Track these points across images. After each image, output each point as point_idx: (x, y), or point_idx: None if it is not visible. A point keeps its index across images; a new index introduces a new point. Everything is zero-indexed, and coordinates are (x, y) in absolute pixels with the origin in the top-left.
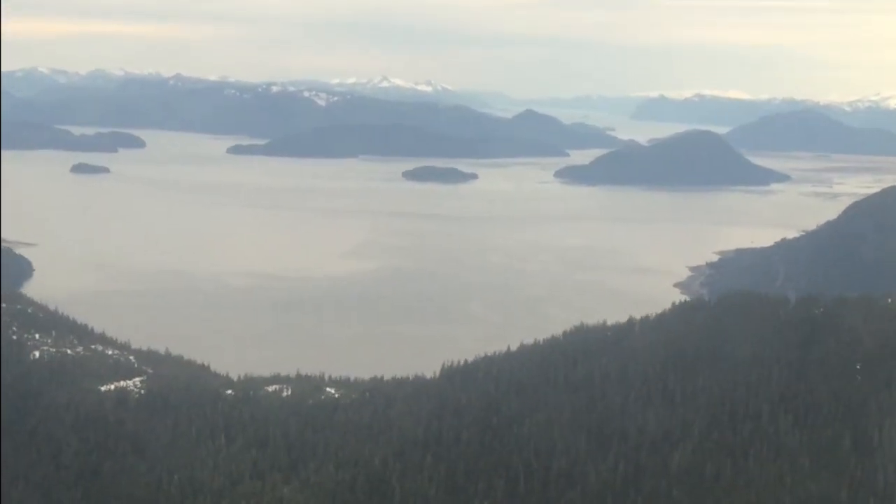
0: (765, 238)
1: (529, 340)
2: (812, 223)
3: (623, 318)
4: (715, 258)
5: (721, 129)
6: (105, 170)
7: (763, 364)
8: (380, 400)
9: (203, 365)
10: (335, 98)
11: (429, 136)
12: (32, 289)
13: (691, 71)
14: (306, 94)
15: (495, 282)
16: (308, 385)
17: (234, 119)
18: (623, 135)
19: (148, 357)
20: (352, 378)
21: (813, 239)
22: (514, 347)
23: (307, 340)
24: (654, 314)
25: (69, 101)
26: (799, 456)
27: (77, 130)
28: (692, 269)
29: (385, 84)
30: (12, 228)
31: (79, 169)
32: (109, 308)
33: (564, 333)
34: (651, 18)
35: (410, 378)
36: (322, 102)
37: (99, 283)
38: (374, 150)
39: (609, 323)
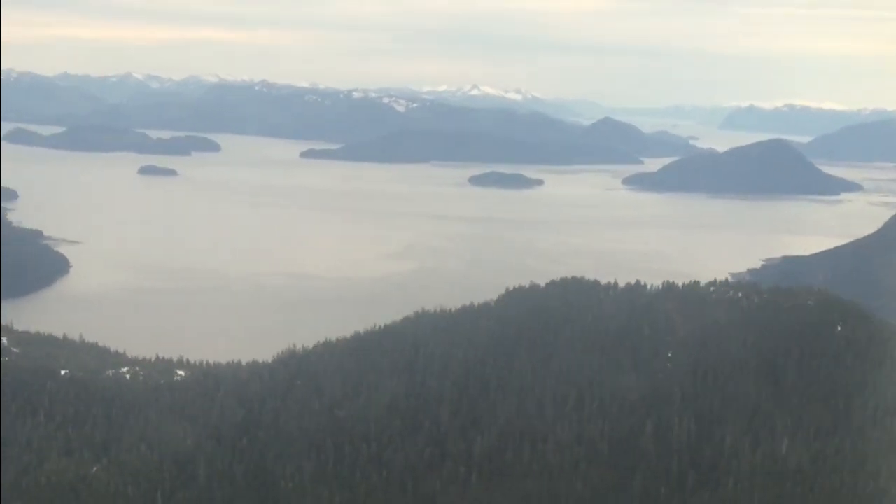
0: (819, 246)
1: None
2: (869, 232)
3: None
4: (759, 265)
5: (806, 140)
6: (172, 172)
7: (577, 351)
8: (210, 383)
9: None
10: (414, 104)
11: (502, 142)
12: (65, 285)
13: (785, 81)
14: (385, 100)
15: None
16: (160, 368)
17: (313, 124)
18: (706, 144)
19: (22, 338)
20: (211, 362)
21: (857, 247)
22: None
23: (288, 336)
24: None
25: (155, 106)
26: (599, 443)
27: (156, 134)
28: (733, 275)
29: (475, 92)
30: (60, 226)
31: (146, 171)
32: (128, 304)
33: (404, 319)
34: (747, 28)
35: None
36: (401, 109)
37: (129, 281)
38: (446, 155)
39: (448, 309)
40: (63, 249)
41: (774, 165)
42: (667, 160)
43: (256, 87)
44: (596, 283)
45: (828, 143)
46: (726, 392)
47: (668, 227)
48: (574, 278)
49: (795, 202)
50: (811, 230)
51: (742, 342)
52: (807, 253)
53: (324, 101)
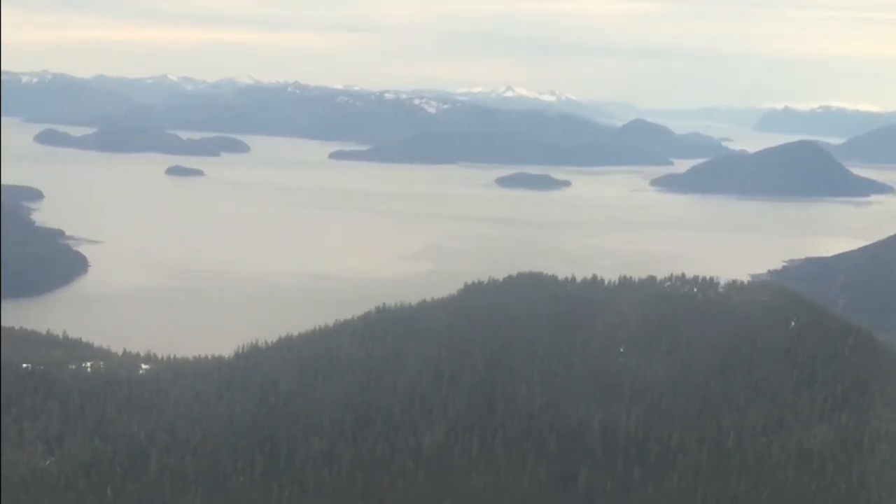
0: (844, 248)
1: None
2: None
3: None
4: (780, 266)
5: (839, 142)
6: (199, 172)
7: (530, 345)
8: (169, 377)
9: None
10: (445, 106)
11: (531, 144)
12: (81, 284)
13: (821, 83)
14: (416, 101)
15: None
16: (125, 362)
17: (344, 126)
18: (739, 146)
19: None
20: (178, 356)
21: (880, 248)
22: None
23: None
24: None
25: (188, 108)
26: (546, 437)
27: (187, 135)
28: (753, 276)
29: (509, 94)
30: (82, 226)
31: (173, 171)
32: (138, 303)
33: (364, 314)
34: (783, 30)
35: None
36: (432, 110)
37: (145, 281)
38: (475, 157)
39: (408, 304)
40: (83, 249)
41: (804, 167)
42: (696, 161)
43: (289, 89)
44: (554, 278)
45: (860, 145)
46: (675, 387)
47: (693, 228)
48: (532, 273)
49: (824, 204)
50: (837, 232)
51: (693, 337)
52: (830, 254)
53: (355, 103)
